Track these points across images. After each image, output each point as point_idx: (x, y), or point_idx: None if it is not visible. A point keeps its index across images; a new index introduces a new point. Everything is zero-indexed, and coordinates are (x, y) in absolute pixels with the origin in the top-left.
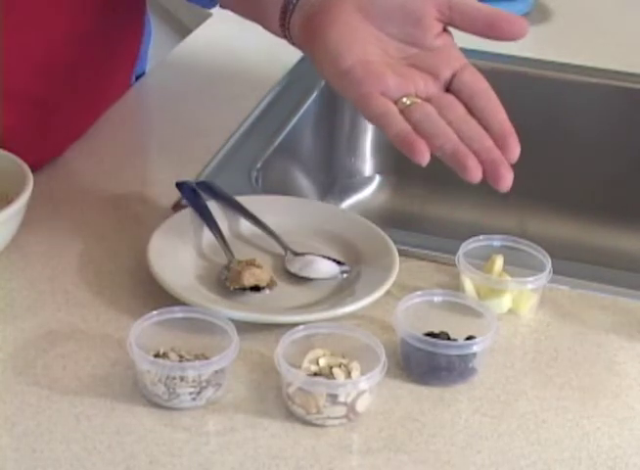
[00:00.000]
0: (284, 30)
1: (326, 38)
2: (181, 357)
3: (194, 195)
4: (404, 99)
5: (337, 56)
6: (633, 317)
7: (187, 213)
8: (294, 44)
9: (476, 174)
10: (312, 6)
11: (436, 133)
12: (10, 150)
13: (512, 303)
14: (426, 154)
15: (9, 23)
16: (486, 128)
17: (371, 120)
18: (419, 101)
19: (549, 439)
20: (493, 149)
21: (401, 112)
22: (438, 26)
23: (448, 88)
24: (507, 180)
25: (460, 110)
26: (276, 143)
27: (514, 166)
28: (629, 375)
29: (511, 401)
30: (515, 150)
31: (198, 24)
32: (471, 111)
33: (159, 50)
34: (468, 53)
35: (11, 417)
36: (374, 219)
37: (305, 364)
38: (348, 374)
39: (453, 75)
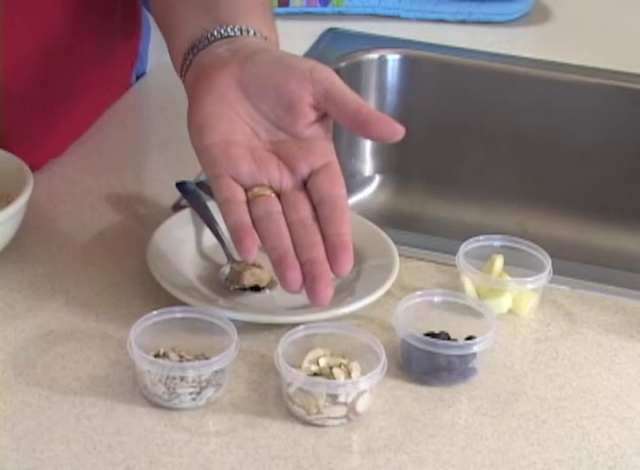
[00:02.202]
0: (183, 81)
1: (199, 108)
2: (181, 357)
3: (194, 195)
4: (256, 189)
5: (202, 130)
6: (633, 317)
7: (187, 213)
8: None
9: (292, 287)
10: (202, 67)
11: (270, 235)
12: (10, 150)
13: (512, 303)
14: (252, 252)
15: (8, 23)
16: (324, 238)
17: (217, 204)
18: (269, 194)
19: (549, 439)
20: (319, 262)
21: (249, 201)
22: (312, 115)
23: (306, 183)
24: (322, 298)
25: (304, 212)
26: None
27: (513, 167)
28: (629, 375)
29: (511, 401)
30: (344, 267)
31: None
32: (316, 215)
33: (159, 50)
34: (468, 53)
35: (11, 417)
36: (374, 219)
37: (305, 364)
38: (348, 374)
39: (311, 173)
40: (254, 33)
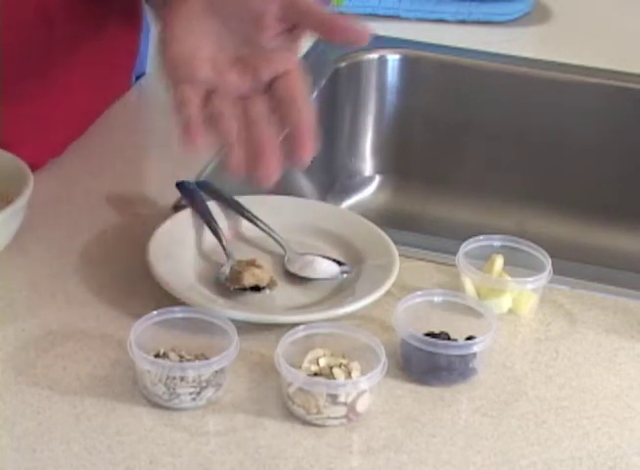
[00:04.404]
0: (153, 9)
1: (169, 24)
2: (181, 357)
3: (194, 195)
4: (214, 94)
5: (169, 43)
6: (633, 317)
7: (187, 213)
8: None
9: (236, 169)
10: None
11: (221, 128)
12: (10, 150)
13: (512, 303)
14: (199, 138)
15: (7, 22)
16: (285, 129)
17: (174, 107)
18: (227, 98)
19: (549, 439)
20: (265, 144)
21: (204, 106)
22: (277, 27)
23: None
24: (265, 178)
25: (259, 109)
26: None
27: (513, 167)
28: (629, 375)
29: (511, 401)
30: (306, 149)
31: None
32: (276, 116)
33: None
34: (468, 53)
35: (11, 417)
36: (374, 219)
37: (305, 364)
38: (348, 374)
39: (272, 80)
40: None
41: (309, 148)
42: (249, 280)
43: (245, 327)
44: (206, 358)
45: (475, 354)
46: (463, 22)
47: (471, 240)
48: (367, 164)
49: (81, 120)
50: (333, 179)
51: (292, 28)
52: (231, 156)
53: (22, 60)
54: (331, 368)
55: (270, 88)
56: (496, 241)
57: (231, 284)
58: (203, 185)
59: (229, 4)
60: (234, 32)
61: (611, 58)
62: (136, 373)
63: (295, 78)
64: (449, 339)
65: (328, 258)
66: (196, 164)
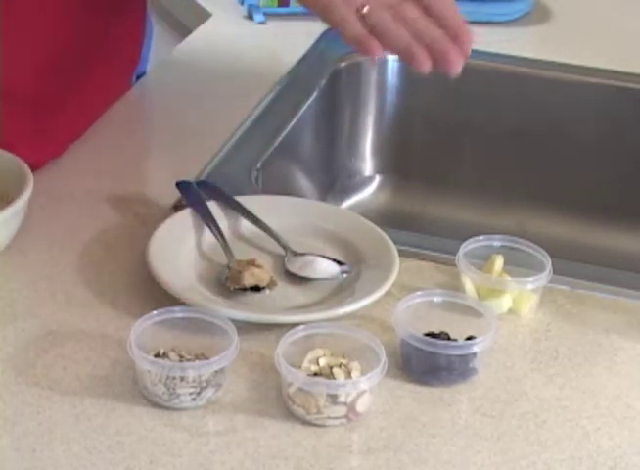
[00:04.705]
0: None
1: None
2: (181, 357)
3: (194, 195)
4: (365, 7)
5: None
6: (633, 317)
7: (187, 213)
8: None
9: (423, 64)
10: None
11: (389, 33)
12: (10, 150)
13: (512, 303)
14: (378, 51)
15: (8, 22)
16: (442, 26)
17: (332, 27)
18: (381, 9)
19: (549, 439)
20: (443, 39)
21: (361, 18)
22: None
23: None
24: (456, 65)
25: (415, 12)
26: (276, 143)
27: (513, 167)
28: (629, 375)
29: (511, 401)
30: (467, 42)
31: (198, 24)
32: (429, 15)
33: (159, 50)
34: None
35: (11, 417)
36: (374, 219)
37: (305, 364)
38: (348, 374)
39: None
40: None
41: (468, 37)
42: (249, 280)
43: (245, 327)
44: (206, 358)
45: (475, 354)
46: None
47: (471, 240)
48: (367, 164)
49: (81, 121)
50: (333, 179)
51: None
52: (415, 54)
53: (24, 61)
54: (331, 368)
55: None
56: (496, 241)
57: (231, 284)
58: (203, 185)
59: None
60: None
61: (611, 58)
62: (136, 373)
63: None
64: (449, 339)
65: (328, 258)
66: (196, 164)
